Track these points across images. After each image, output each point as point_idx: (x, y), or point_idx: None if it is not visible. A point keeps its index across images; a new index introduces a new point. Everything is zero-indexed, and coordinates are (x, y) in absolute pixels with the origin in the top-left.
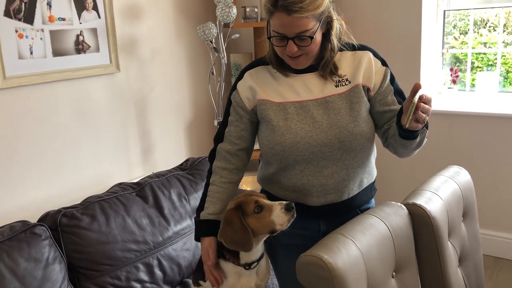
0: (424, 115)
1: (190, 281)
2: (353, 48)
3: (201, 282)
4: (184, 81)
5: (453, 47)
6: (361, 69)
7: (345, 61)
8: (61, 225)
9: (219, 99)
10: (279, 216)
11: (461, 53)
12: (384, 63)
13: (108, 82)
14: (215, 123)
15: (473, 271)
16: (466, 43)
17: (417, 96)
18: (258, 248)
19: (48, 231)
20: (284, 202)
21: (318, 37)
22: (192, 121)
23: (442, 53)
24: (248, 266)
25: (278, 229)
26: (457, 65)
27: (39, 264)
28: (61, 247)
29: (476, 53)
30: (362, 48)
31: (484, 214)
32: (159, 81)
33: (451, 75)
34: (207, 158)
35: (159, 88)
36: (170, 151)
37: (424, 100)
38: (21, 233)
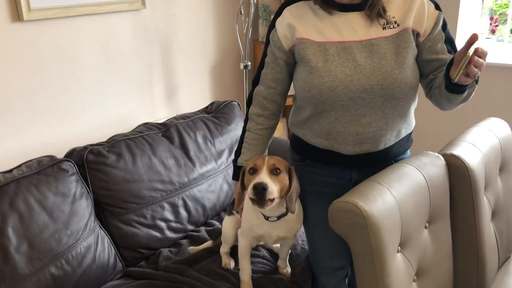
0: (476, 69)
1: (214, 221)
2: None
3: (234, 212)
4: (211, 20)
5: None
6: (412, 12)
7: (395, 2)
8: (88, 161)
9: (246, 41)
10: (250, 185)
11: (501, 2)
12: (437, 7)
13: (133, 19)
14: (241, 66)
15: (505, 226)
16: None
17: (472, 49)
18: (273, 208)
19: (75, 167)
20: (258, 181)
21: None
22: (217, 63)
23: (482, 1)
24: (266, 217)
25: (248, 195)
26: (498, 14)
27: (66, 199)
28: (88, 184)
29: None
30: None
31: None
32: (185, 19)
33: (490, 24)
34: (233, 102)
35: (184, 27)
36: (194, 93)
37: (480, 53)
38: (48, 167)
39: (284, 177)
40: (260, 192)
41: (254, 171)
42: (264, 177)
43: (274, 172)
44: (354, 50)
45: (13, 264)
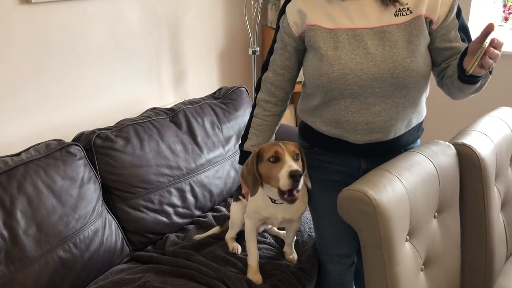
0: (491, 61)
1: (221, 207)
2: None
3: (240, 197)
4: (219, 4)
5: None
6: None
7: None
8: (96, 146)
9: (255, 26)
10: (283, 176)
11: None
12: None
13: (142, 2)
14: (250, 51)
15: None
16: None
17: (488, 39)
18: None
19: (83, 151)
20: (293, 168)
21: None
22: (225, 48)
23: None
24: (273, 200)
25: (280, 187)
26: (511, 1)
27: (74, 183)
28: (95, 168)
29: None
30: None
31: None
32: (193, 3)
33: (503, 11)
34: (241, 87)
35: (193, 12)
36: (202, 78)
37: (495, 44)
38: (56, 151)
39: (302, 161)
40: (297, 180)
41: (277, 159)
42: (293, 164)
43: (295, 158)
44: (365, 38)
45: (21, 247)
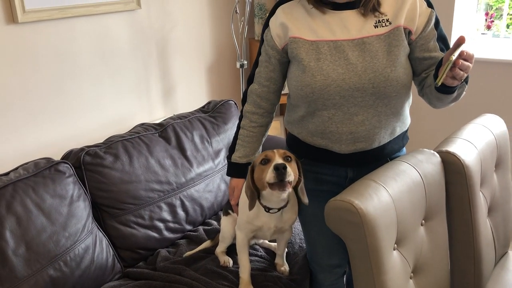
0: (462, 72)
1: (212, 221)
2: None
3: (229, 211)
4: (206, 19)
5: None
6: (404, 10)
7: (387, 0)
8: (85, 163)
9: (242, 40)
10: (269, 171)
11: None
12: (430, 5)
13: (129, 19)
14: (237, 65)
15: (502, 222)
16: None
17: (457, 52)
18: (277, 201)
19: (72, 169)
20: (278, 162)
21: None
22: (213, 62)
23: None
24: (267, 209)
25: (267, 181)
26: (493, 9)
27: (64, 201)
28: (85, 185)
29: None
30: None
31: None
32: (180, 19)
33: (486, 20)
34: (230, 101)
35: (180, 27)
36: (191, 93)
37: (465, 57)
38: (45, 169)
39: (295, 165)
40: (282, 173)
41: (266, 161)
42: (280, 160)
43: (286, 159)
44: (346, 49)
45: (11, 267)
